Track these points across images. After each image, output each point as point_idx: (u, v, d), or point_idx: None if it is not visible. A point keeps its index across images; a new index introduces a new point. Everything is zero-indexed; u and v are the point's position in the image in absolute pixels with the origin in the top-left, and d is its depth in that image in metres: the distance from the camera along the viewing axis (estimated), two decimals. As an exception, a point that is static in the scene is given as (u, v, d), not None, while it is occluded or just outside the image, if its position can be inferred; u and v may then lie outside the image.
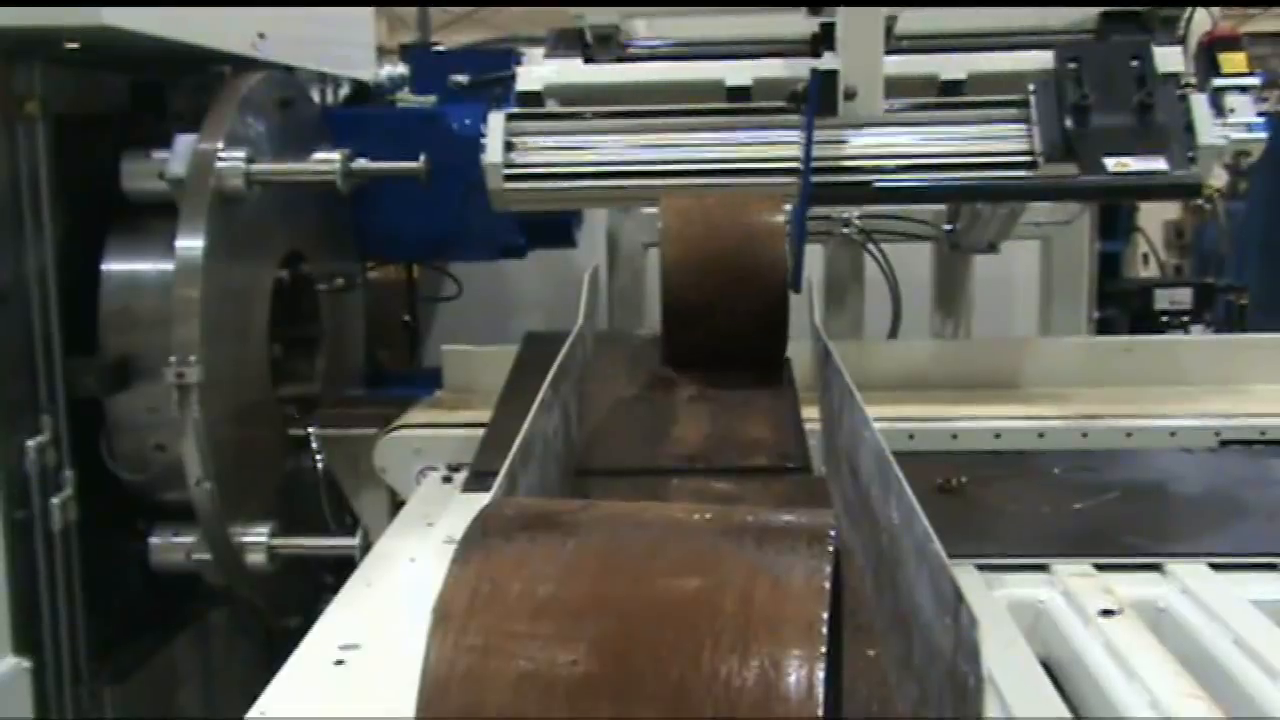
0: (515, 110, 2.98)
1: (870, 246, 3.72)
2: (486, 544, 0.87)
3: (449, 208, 3.31)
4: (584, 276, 2.61)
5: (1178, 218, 6.34)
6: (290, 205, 2.96)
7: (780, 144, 2.76)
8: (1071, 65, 2.65)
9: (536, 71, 3.12)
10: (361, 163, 2.85)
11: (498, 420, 2.30)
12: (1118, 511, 2.25)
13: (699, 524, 0.86)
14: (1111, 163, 2.50)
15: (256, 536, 2.64)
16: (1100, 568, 2.01)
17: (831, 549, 0.82)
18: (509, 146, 2.89)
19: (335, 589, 3.35)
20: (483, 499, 1.98)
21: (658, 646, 0.76)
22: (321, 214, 3.17)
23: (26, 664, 2.51)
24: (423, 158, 2.90)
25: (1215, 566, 2.00)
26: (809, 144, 2.55)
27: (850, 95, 2.59)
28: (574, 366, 2.02)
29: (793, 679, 0.73)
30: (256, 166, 2.64)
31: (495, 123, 2.89)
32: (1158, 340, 3.34)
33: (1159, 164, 2.51)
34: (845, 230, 3.67)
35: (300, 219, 3.05)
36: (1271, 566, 2.01)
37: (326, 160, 2.80)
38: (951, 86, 2.91)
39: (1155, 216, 5.89)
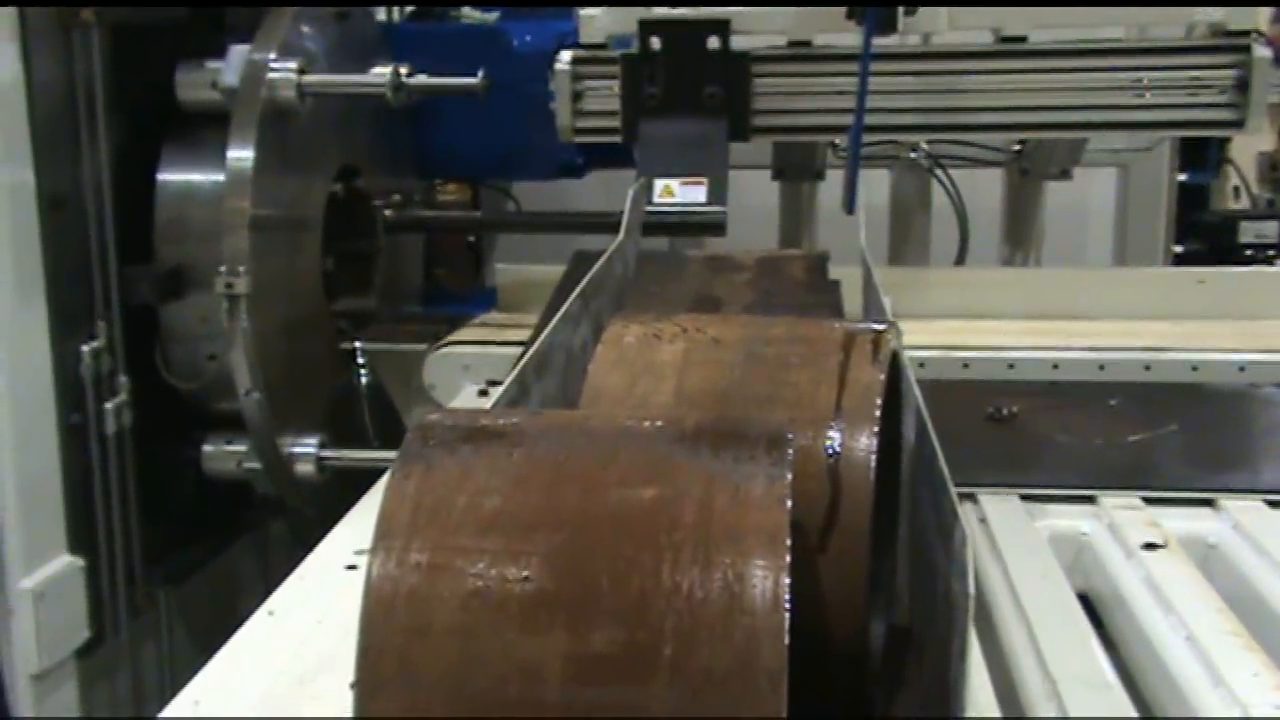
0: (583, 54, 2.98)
1: (938, 172, 3.62)
2: (427, 456, 0.83)
3: (508, 125, 3.29)
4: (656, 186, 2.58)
5: (1273, 149, 6.08)
6: (345, 120, 2.95)
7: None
8: None
9: (599, 22, 3.08)
10: (418, 78, 2.84)
11: (536, 337, 2.27)
12: (1174, 445, 2.18)
13: (650, 431, 0.82)
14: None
15: (306, 447, 2.66)
16: (1149, 501, 1.94)
17: (791, 453, 0.79)
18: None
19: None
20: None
21: (615, 560, 0.73)
22: (378, 130, 3.16)
23: (81, 563, 2.57)
24: (480, 74, 2.88)
25: (1272, 504, 1.93)
26: (866, 59, 2.47)
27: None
28: (611, 282, 1.99)
29: (757, 590, 0.70)
30: (309, 78, 2.62)
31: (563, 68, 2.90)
32: (1232, 272, 3.20)
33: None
34: (912, 155, 3.57)
35: (355, 134, 3.05)
36: (1331, 505, 1.93)
37: (380, 74, 2.78)
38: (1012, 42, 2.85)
39: (1249, 147, 5.64)
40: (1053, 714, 1.37)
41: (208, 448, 2.80)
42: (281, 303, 2.66)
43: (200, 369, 2.75)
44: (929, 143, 3.55)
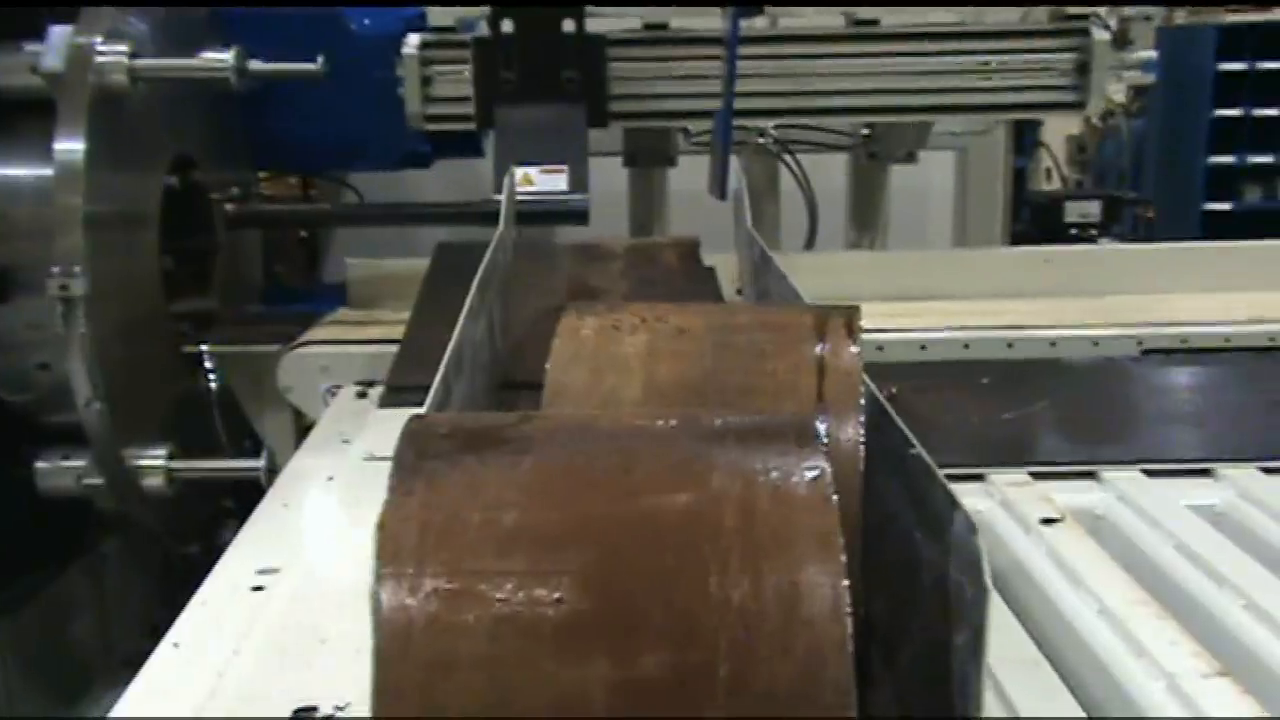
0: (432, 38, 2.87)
1: (786, 157, 3.63)
2: (426, 468, 0.74)
3: (350, 114, 3.16)
4: (503, 180, 2.49)
5: (1079, 133, 6.38)
6: (177, 108, 2.77)
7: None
8: None
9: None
10: (256, 64, 2.68)
11: (413, 333, 2.18)
12: (1049, 420, 2.22)
13: (668, 430, 0.76)
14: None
15: (153, 459, 2.49)
16: (1037, 476, 1.97)
17: (824, 445, 0.73)
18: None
19: (236, 514, 3.25)
20: (402, 414, 1.88)
21: (655, 574, 0.65)
22: (212, 119, 2.98)
23: (-96, 598, 2.34)
24: (320, 59, 2.75)
25: (1150, 473, 1.98)
26: (734, 43, 2.44)
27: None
28: (496, 274, 1.91)
29: (816, 599, 0.64)
30: (142, 62, 2.44)
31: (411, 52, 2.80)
32: (1077, 251, 3.32)
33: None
34: (761, 140, 3.58)
35: (189, 123, 2.86)
36: (1204, 472, 2.00)
37: (220, 58, 2.61)
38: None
39: (1060, 131, 5.90)
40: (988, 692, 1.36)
41: (42, 464, 2.58)
42: (120, 305, 2.47)
43: (30, 379, 2.54)
44: (776, 128, 3.56)
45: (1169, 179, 6.10)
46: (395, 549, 0.68)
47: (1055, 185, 5.55)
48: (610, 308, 1.03)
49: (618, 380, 0.95)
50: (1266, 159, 6.31)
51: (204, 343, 2.73)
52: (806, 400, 0.91)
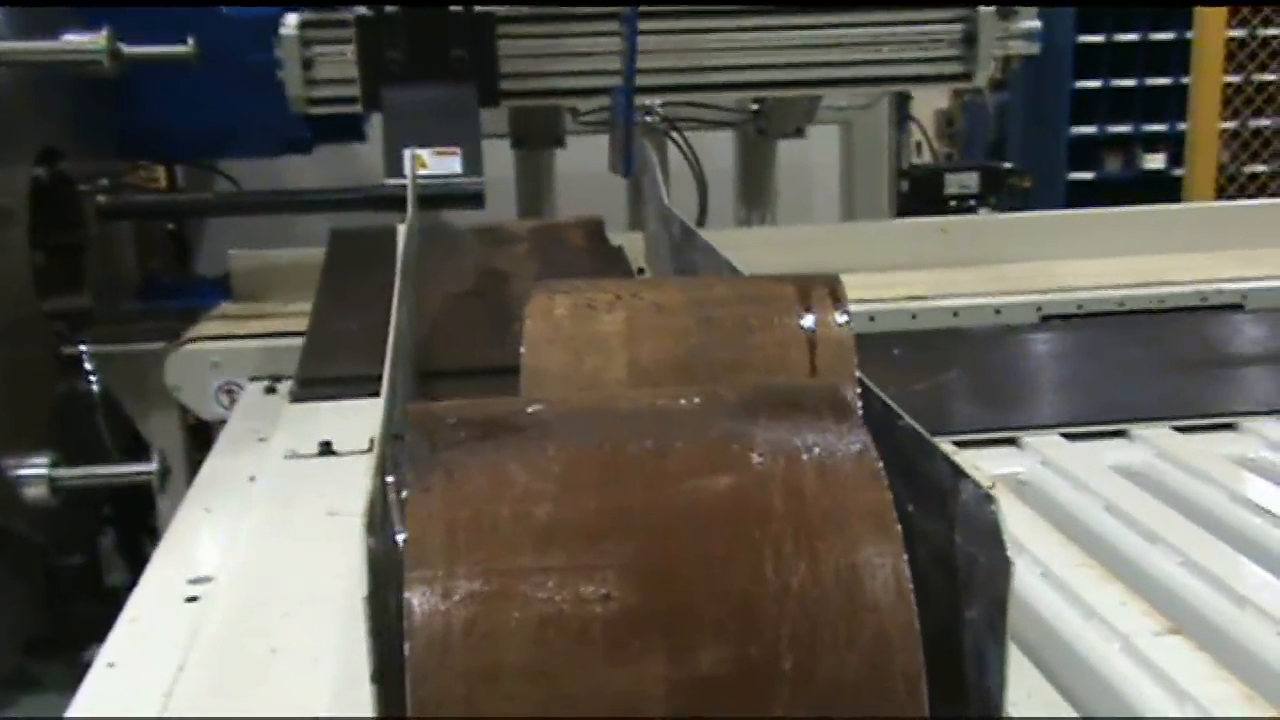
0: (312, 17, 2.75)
1: (674, 134, 3.60)
2: (442, 460, 0.68)
3: (225, 99, 3.02)
4: (393, 165, 2.41)
5: (948, 107, 6.50)
6: (41, 96, 2.61)
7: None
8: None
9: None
10: (126, 47, 2.54)
11: (318, 324, 2.08)
12: (962, 389, 2.24)
13: (694, 409, 0.71)
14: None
15: (35, 468, 2.34)
16: (958, 445, 1.97)
17: (861, 413, 0.69)
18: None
19: (119, 522, 3.10)
20: (317, 409, 1.79)
21: (706, 563, 0.61)
22: (77, 107, 2.82)
23: None
24: (190, 40, 2.62)
25: (1068, 436, 2.00)
26: (634, 16, 2.40)
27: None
28: (412, 260, 1.83)
29: (878, 582, 0.60)
30: (6, 45, 2.29)
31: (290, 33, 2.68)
32: (971, 220, 3.36)
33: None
34: (648, 119, 3.53)
35: (54, 112, 2.70)
36: (1120, 434, 2.02)
37: (91, 40, 2.46)
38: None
39: (928, 105, 6.00)
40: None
41: (-91, 479, 2.41)
42: (-10, 305, 2.32)
43: (-108, 389, 2.36)
44: (663, 105, 3.52)
45: (1033, 151, 6.26)
46: (421, 551, 0.62)
47: (926, 159, 5.64)
48: (580, 285, 0.98)
49: (599, 361, 0.90)
50: (1125, 129, 6.53)
51: (82, 343, 2.58)
52: (798, 374, 0.88)
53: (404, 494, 0.65)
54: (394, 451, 0.82)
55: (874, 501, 0.64)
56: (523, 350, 0.93)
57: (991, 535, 0.83)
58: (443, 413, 0.71)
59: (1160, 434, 1.99)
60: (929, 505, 0.96)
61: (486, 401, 0.74)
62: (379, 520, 0.74)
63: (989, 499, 0.83)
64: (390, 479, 0.78)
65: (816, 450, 0.66)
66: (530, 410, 0.71)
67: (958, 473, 0.88)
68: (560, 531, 0.62)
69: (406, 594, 0.61)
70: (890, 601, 0.61)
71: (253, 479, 1.52)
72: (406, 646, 0.60)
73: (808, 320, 0.90)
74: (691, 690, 0.59)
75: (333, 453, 1.59)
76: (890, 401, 1.02)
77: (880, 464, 0.66)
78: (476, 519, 0.63)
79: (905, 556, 0.62)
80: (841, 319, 0.91)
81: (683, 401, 0.70)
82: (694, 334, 0.91)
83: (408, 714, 0.58)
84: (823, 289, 0.93)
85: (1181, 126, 6.03)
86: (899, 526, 0.63)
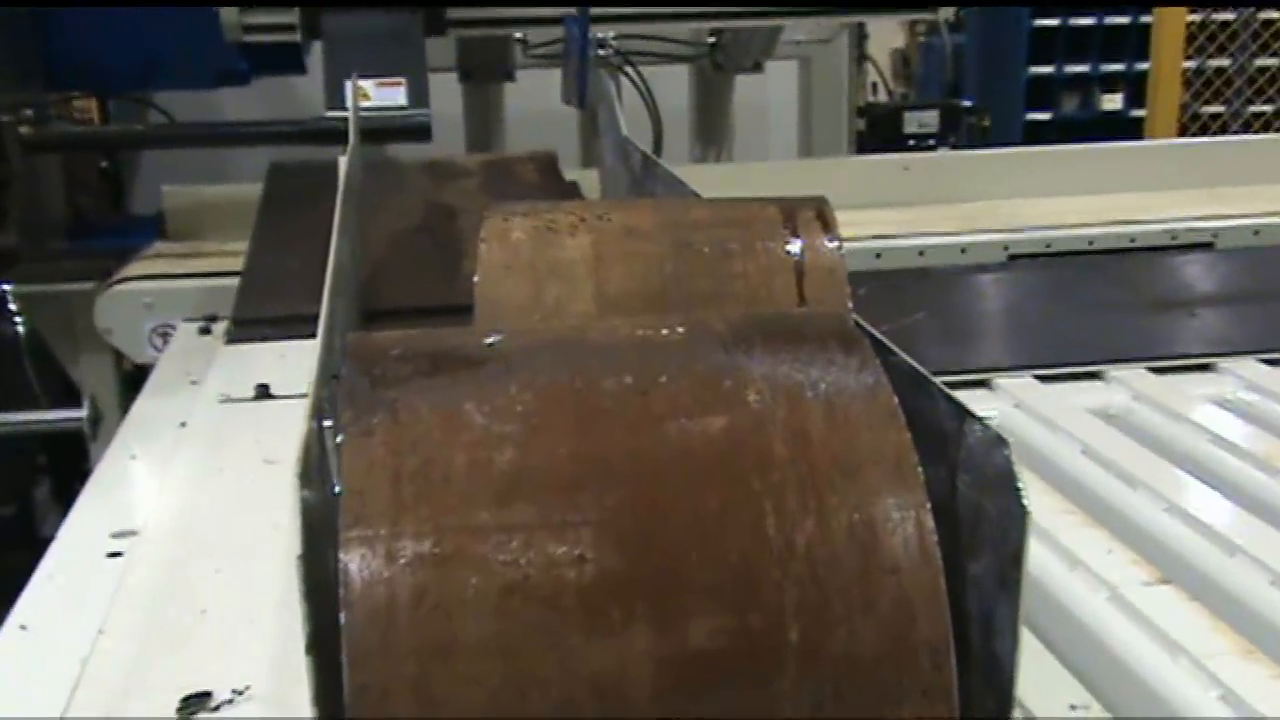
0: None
1: (628, 69, 3.48)
2: (385, 398, 0.57)
3: (155, 28, 2.87)
4: (334, 96, 2.28)
5: (904, 46, 6.40)
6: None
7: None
8: None
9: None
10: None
11: (255, 262, 1.97)
12: (932, 330, 2.16)
13: (678, 339, 0.61)
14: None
15: (-43, 416, 2.21)
16: (930, 387, 1.90)
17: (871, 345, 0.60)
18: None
19: (52, 470, 2.97)
20: (253, 350, 1.68)
21: (698, 519, 0.51)
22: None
23: None
24: (118, -36, 2.48)
25: (1042, 379, 1.93)
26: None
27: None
28: (353, 192, 1.72)
29: (898, 539, 0.51)
30: (-88, -36, 2.14)
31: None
32: (934, 158, 3.28)
33: None
34: (602, 52, 3.41)
35: (-28, 39, 2.55)
36: (1095, 375, 1.96)
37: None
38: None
39: (885, 45, 5.90)
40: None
41: None
42: (-95, 244, 2.18)
43: None
44: (617, 38, 3.40)
45: (990, 90, 6.18)
46: (360, 506, 0.51)
47: (881, 98, 5.55)
48: (541, 206, 0.88)
49: (562, 291, 0.80)
50: (1083, 69, 6.47)
51: (6, 283, 2.44)
52: (786, 305, 0.79)
53: (340, 439, 0.55)
54: (333, 391, 0.72)
55: (892, 445, 0.55)
56: (476, 278, 0.83)
57: (1004, 482, 0.75)
58: (386, 344, 0.61)
59: (1136, 375, 1.93)
60: (926, 450, 0.88)
61: (437, 331, 0.64)
62: (315, 469, 0.65)
63: (1000, 441, 0.75)
64: (329, 423, 0.69)
65: (823, 387, 0.57)
66: (489, 341, 0.60)
67: (963, 414, 0.80)
68: (526, 482, 0.52)
69: (343, 557, 0.51)
70: (912, 562, 0.52)
71: (184, 424, 1.41)
72: (343, 619, 0.50)
73: (794, 245, 0.81)
74: (681, 667, 0.50)
75: (270, 396, 1.49)
76: (880, 335, 0.93)
77: (896, 401, 0.57)
78: (426, 468, 0.53)
79: (929, 508, 0.53)
80: (831, 243, 0.82)
81: (665, 331, 0.61)
82: (669, 261, 0.82)
83: (345, 698, 0.49)
84: (809, 211, 0.84)
85: (1141, 67, 5.97)
86: (920, 474, 0.54)
